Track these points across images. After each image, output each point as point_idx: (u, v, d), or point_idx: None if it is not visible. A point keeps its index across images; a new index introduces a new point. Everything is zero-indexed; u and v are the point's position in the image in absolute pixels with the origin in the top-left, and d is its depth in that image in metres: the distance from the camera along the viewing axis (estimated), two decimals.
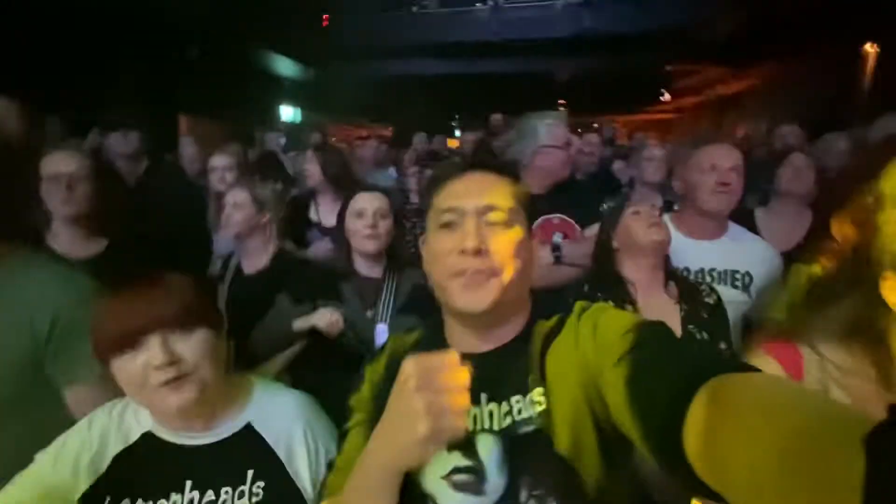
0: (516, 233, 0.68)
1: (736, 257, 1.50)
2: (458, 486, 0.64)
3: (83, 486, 0.78)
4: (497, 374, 0.66)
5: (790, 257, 1.49)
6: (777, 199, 1.89)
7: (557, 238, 1.74)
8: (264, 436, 0.85)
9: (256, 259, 1.85)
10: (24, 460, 0.82)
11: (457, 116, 15.05)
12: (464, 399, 0.53)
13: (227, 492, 0.80)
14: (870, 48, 5.67)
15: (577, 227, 1.76)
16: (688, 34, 8.41)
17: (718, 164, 1.48)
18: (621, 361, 0.56)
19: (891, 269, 0.61)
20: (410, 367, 0.55)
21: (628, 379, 0.54)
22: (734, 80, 9.99)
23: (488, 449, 0.64)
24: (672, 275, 1.37)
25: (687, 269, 1.51)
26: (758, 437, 0.35)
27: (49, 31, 4.42)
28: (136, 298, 0.78)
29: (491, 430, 0.64)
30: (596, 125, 5.65)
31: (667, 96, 12.28)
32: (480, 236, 0.64)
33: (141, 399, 0.78)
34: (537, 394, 0.63)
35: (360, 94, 10.85)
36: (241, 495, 0.80)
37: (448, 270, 0.66)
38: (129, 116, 2.53)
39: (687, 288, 1.33)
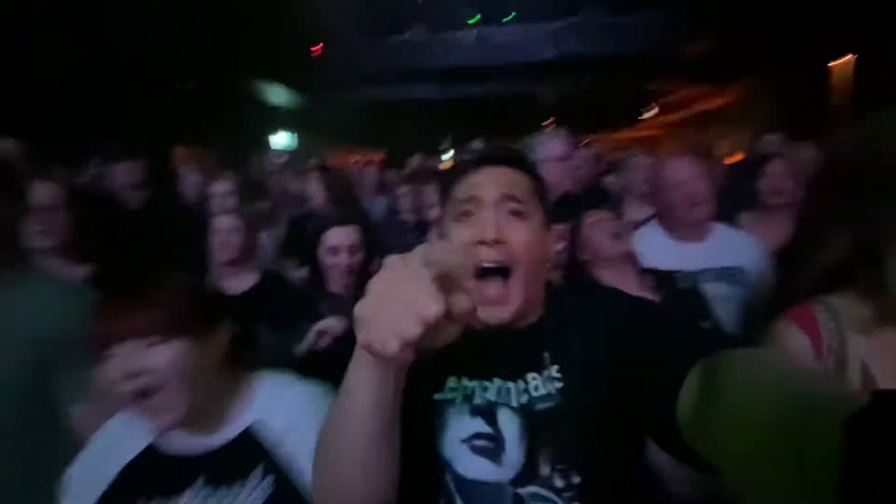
0: (534, 224, 0.68)
1: (726, 254, 1.55)
2: (477, 450, 0.64)
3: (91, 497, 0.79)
4: (514, 353, 0.68)
5: (776, 259, 1.55)
6: (760, 206, 1.94)
7: (557, 247, 1.82)
8: (268, 436, 0.84)
9: (241, 281, 1.86)
10: (30, 479, 0.83)
11: (449, 138, 15.31)
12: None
13: (239, 484, 0.80)
14: (836, 64, 5.99)
15: None
16: (668, 54, 8.75)
17: (682, 178, 1.53)
18: (623, 338, 0.60)
19: None
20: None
21: (627, 354, 0.58)
22: (715, 96, 10.32)
23: (508, 422, 0.65)
24: (644, 269, 1.41)
25: (681, 272, 1.57)
26: (746, 412, 0.37)
27: (45, 65, 4.51)
28: (120, 304, 0.76)
29: (510, 406, 0.65)
30: (587, 142, 5.83)
31: (651, 112, 12.61)
32: (499, 227, 0.64)
33: (131, 414, 0.77)
34: (554, 371, 0.65)
35: (352, 120, 11.02)
36: (254, 489, 0.80)
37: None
38: (131, 147, 2.58)
39: (661, 277, 1.39)
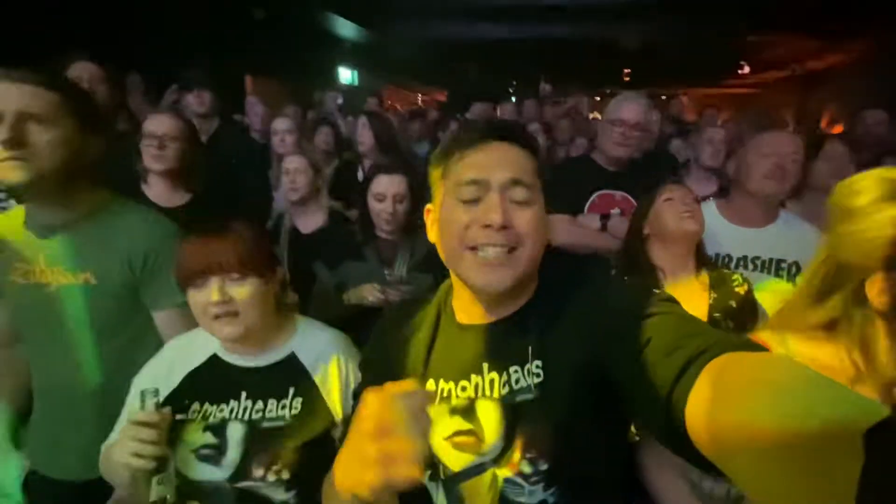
0: (536, 210, 0.67)
1: (785, 246, 1.48)
2: (459, 447, 0.68)
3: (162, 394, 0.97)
4: (500, 345, 0.69)
5: None
6: (811, 192, 1.77)
7: (614, 211, 1.80)
8: (303, 362, 1.03)
9: (312, 219, 2.00)
10: (126, 366, 1.05)
11: (514, 83, 14.56)
12: (423, 446, 0.44)
13: (272, 403, 0.98)
14: None
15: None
16: None
17: (777, 150, 1.47)
18: (630, 334, 0.57)
19: (878, 269, 0.66)
20: (371, 404, 0.46)
21: (635, 352, 0.56)
22: (825, 54, 8.98)
23: (487, 415, 0.67)
24: (704, 262, 1.36)
25: (728, 257, 1.50)
26: (760, 417, 0.35)
27: None
28: (206, 245, 0.94)
29: (490, 398, 0.67)
30: (664, 97, 5.35)
31: (746, 69, 11.25)
32: (505, 212, 0.64)
33: (202, 324, 0.97)
34: (535, 366, 0.65)
35: (417, 58, 10.70)
36: (283, 407, 0.98)
37: (466, 243, 0.65)
38: (203, 76, 2.71)
39: (718, 276, 1.33)
